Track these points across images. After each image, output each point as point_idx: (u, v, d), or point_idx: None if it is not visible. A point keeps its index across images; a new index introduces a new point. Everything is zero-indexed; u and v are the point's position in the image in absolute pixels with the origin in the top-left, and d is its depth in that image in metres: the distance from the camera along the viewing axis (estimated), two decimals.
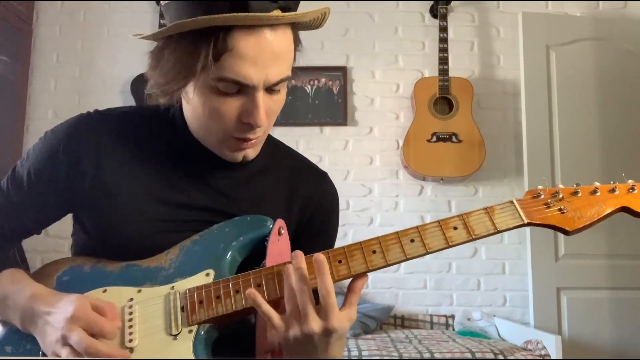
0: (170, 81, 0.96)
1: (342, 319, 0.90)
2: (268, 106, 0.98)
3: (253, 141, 1.02)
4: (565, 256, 3.26)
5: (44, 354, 0.96)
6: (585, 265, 3.26)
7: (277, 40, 0.94)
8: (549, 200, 0.98)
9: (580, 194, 0.99)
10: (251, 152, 1.05)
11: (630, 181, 1.00)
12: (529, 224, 0.97)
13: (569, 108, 3.39)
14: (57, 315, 0.93)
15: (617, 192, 0.98)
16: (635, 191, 0.98)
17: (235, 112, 0.97)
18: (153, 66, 0.98)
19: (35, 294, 0.99)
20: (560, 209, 0.97)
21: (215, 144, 1.04)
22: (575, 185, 1.00)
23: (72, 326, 0.91)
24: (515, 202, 0.98)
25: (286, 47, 0.97)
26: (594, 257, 3.28)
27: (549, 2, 3.73)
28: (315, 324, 0.88)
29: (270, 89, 0.97)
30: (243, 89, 0.95)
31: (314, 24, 1.02)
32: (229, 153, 1.04)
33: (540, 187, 1.01)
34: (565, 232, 0.97)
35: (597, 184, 1.00)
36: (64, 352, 0.91)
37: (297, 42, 1.01)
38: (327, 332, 0.89)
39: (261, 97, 0.96)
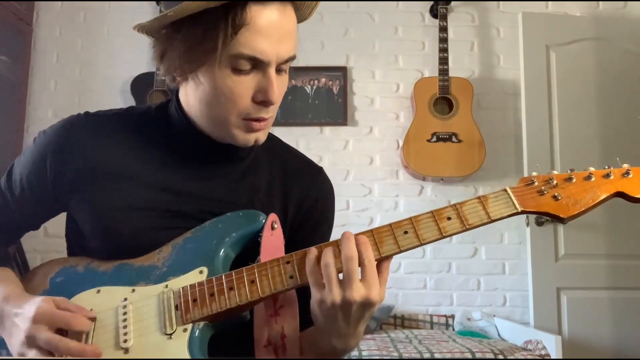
0: (186, 63, 0.97)
1: (381, 294, 0.90)
2: (277, 86, 0.99)
3: (264, 122, 1.03)
4: (565, 256, 3.25)
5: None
6: (585, 265, 3.25)
7: (285, 17, 0.97)
8: (543, 187, 0.96)
9: (574, 180, 0.97)
10: (262, 135, 1.05)
11: (625, 165, 0.97)
12: (522, 212, 0.95)
13: (569, 108, 3.38)
14: (23, 315, 0.93)
15: (611, 177, 0.96)
16: (630, 175, 0.96)
17: (249, 92, 0.98)
18: (162, 52, 1.00)
19: (7, 295, 0.99)
20: (554, 196, 0.95)
21: (226, 130, 1.03)
22: (569, 171, 0.98)
23: (36, 326, 0.91)
24: (508, 190, 0.97)
25: (293, 26, 1.00)
26: (594, 257, 3.27)
27: (549, 2, 3.73)
28: (357, 292, 0.88)
29: (278, 69, 0.99)
30: (256, 67, 0.97)
31: (305, 12, 1.05)
32: (242, 137, 1.03)
33: (534, 173, 0.99)
34: (560, 220, 0.95)
35: (591, 169, 0.98)
36: (31, 354, 0.91)
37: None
38: (366, 303, 0.89)
39: (274, 73, 0.98)
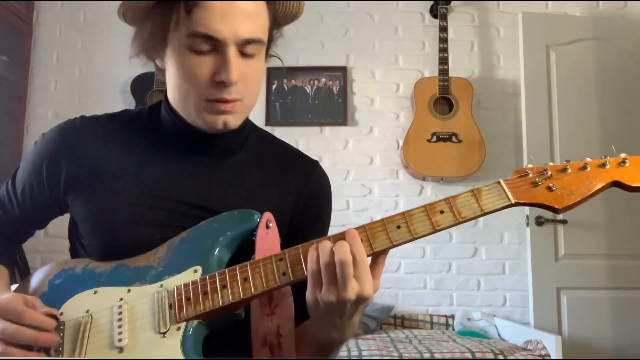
0: (151, 42, 1.02)
1: (375, 285, 0.91)
2: (243, 70, 1.00)
3: (230, 105, 1.02)
4: (565, 256, 3.25)
5: None
6: (585, 265, 3.25)
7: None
8: (537, 179, 0.95)
9: (569, 171, 0.95)
10: (231, 119, 1.04)
11: (622, 154, 0.96)
12: (516, 204, 0.94)
13: (569, 108, 3.38)
14: None
15: (607, 167, 0.94)
16: (627, 164, 0.94)
17: (208, 72, 0.99)
18: (135, 34, 1.05)
19: None
20: (548, 187, 0.94)
21: (195, 112, 1.04)
22: (564, 162, 0.97)
23: None
24: (502, 182, 0.96)
25: (257, 9, 1.01)
26: (594, 257, 3.27)
27: (549, 2, 3.73)
28: (352, 291, 0.88)
29: (243, 52, 1.00)
30: (215, 47, 0.98)
31: (289, 12, 1.07)
32: (208, 118, 1.03)
33: (529, 165, 0.98)
34: (555, 210, 0.94)
35: (587, 159, 0.96)
36: None
37: (274, 20, 1.06)
38: (360, 299, 0.89)
39: (232, 53, 0.98)
